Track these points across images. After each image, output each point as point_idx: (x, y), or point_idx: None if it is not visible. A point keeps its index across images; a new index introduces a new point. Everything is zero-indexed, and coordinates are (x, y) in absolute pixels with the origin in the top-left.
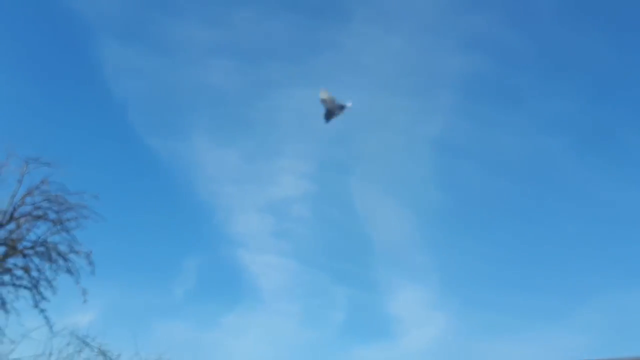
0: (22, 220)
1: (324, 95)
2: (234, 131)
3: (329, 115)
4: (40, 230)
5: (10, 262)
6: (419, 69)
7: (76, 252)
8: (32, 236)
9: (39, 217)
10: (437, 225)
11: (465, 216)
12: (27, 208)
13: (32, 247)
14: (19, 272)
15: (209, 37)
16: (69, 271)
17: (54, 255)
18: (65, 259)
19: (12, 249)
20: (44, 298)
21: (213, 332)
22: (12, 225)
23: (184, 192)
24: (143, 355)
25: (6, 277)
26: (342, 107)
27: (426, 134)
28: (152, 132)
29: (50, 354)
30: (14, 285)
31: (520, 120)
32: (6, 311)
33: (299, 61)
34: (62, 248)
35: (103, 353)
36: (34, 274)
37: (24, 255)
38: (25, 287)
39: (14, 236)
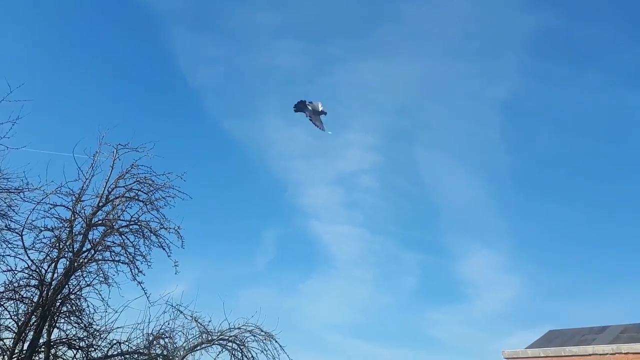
0: (116, 201)
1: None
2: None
3: (300, 108)
4: (132, 210)
5: (109, 240)
6: (483, 30)
7: (166, 229)
8: (126, 216)
9: (131, 199)
10: (508, 188)
11: (538, 178)
12: (120, 190)
13: (127, 226)
14: (117, 249)
15: (273, 20)
16: (161, 246)
17: (146, 232)
18: (157, 235)
19: (110, 228)
20: (140, 271)
21: (293, 298)
22: (108, 207)
23: (258, 170)
24: (231, 320)
25: (106, 254)
26: (320, 113)
27: (494, 98)
28: (226, 115)
29: (149, 322)
30: (113, 261)
31: (594, 76)
32: (108, 285)
33: (361, 35)
34: (154, 225)
35: (195, 319)
36: (130, 250)
37: (120, 234)
38: (124, 262)
39: (110, 217)
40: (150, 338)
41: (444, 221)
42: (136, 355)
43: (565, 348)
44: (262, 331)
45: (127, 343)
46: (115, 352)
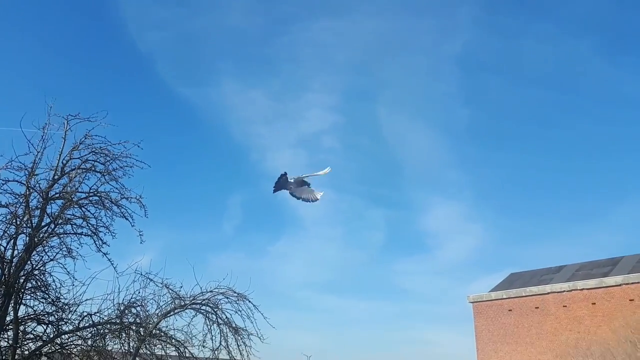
0: (72, 173)
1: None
2: (259, 71)
3: (280, 186)
4: (90, 181)
5: (69, 213)
6: None
7: (127, 199)
8: (84, 188)
9: (87, 170)
10: (467, 141)
11: (495, 130)
12: (75, 162)
13: (86, 198)
14: (78, 222)
15: None
16: (123, 216)
17: (107, 203)
18: (118, 206)
19: (69, 201)
20: (104, 243)
21: (263, 260)
22: (64, 180)
23: (219, 136)
24: (202, 284)
25: (68, 228)
26: (302, 184)
27: (449, 53)
28: (181, 80)
29: (119, 292)
30: (75, 234)
31: (546, 27)
32: (73, 258)
33: None
34: (114, 196)
35: (166, 286)
36: (92, 221)
37: (80, 206)
38: (86, 235)
39: (67, 189)
40: (122, 308)
41: (407, 177)
42: (108, 326)
43: (526, 288)
44: (234, 292)
45: (98, 314)
46: (87, 324)
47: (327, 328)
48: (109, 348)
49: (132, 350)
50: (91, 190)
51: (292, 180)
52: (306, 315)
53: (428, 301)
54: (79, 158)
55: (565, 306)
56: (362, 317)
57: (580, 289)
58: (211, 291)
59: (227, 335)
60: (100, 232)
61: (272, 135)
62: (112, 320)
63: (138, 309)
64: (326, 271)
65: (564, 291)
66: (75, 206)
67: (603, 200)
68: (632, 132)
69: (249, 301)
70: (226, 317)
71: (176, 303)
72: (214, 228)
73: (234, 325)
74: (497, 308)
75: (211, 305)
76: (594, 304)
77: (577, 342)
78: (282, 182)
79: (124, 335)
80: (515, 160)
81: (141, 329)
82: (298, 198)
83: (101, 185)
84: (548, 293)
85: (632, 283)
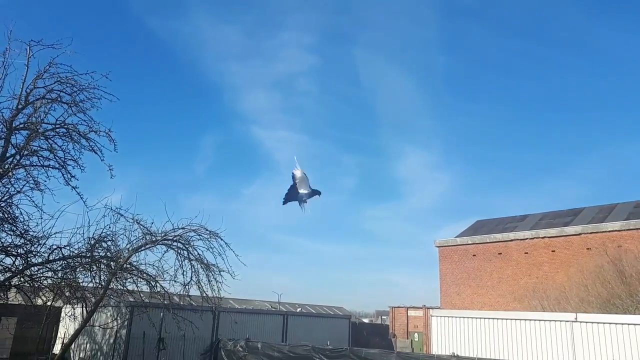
0: (37, 103)
1: (298, 172)
2: (233, 4)
3: (290, 197)
4: (57, 112)
5: (35, 144)
6: None
7: (96, 132)
8: (50, 119)
9: (53, 100)
10: (442, 90)
11: (471, 79)
12: (39, 91)
13: (52, 129)
14: (45, 153)
15: None
16: (92, 150)
17: (75, 135)
18: (87, 139)
19: (34, 132)
20: (73, 176)
21: (237, 203)
22: (29, 110)
23: (191, 72)
24: (174, 221)
25: (34, 159)
26: (312, 194)
27: None
28: (151, 10)
29: (89, 226)
30: (42, 166)
31: None
32: (41, 191)
33: None
34: (82, 128)
35: (137, 221)
36: (60, 154)
37: (47, 138)
38: (54, 167)
39: (32, 119)
40: (92, 242)
41: (381, 124)
42: (79, 259)
43: (490, 235)
44: (206, 230)
45: (68, 248)
46: (57, 257)
47: (298, 269)
48: (80, 281)
49: (103, 283)
50: (58, 122)
51: (304, 192)
52: (279, 257)
53: (396, 246)
54: (43, 87)
55: (527, 253)
56: (332, 260)
57: (541, 237)
58: (183, 228)
59: (198, 271)
60: (69, 165)
61: (246, 74)
62: (83, 254)
63: (109, 243)
64: (297, 215)
65: (526, 239)
66: (41, 137)
67: (569, 153)
68: (605, 86)
69: (221, 239)
70: (198, 254)
71: (147, 239)
72: (186, 169)
73: (205, 262)
74: (462, 253)
75: (183, 241)
76: (554, 251)
77: (535, 286)
78: (292, 194)
79: (95, 268)
80: (487, 111)
81: (112, 262)
82: (301, 205)
83: (68, 117)
84: (511, 240)
85: (591, 233)
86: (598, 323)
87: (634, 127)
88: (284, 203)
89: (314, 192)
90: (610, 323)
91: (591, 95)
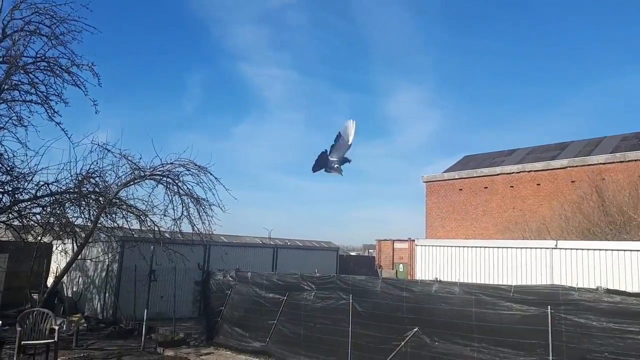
0: (15, 36)
1: (349, 138)
2: None
3: (320, 165)
4: (37, 45)
5: (15, 79)
6: None
7: (78, 66)
8: (30, 52)
9: (32, 32)
10: (438, 24)
11: (467, 13)
12: (17, 23)
13: (33, 63)
14: (27, 87)
15: None
16: (75, 84)
17: (56, 69)
18: (69, 73)
19: (14, 65)
20: (56, 112)
21: (227, 142)
22: (7, 43)
23: (176, 6)
24: (162, 157)
25: (15, 94)
26: (343, 162)
27: None
28: None
29: (76, 161)
30: (24, 101)
31: None
32: (24, 127)
33: None
34: (64, 62)
35: (125, 156)
36: (42, 88)
37: (27, 72)
38: (36, 103)
39: (11, 53)
40: (80, 178)
41: (373, 60)
42: (67, 195)
43: (477, 170)
44: (195, 165)
45: (55, 184)
46: (45, 193)
47: (289, 207)
48: (69, 216)
49: (92, 218)
50: (38, 56)
51: (335, 159)
52: (270, 195)
53: (386, 182)
54: (21, 19)
55: (512, 186)
56: (323, 197)
57: (527, 171)
58: (171, 163)
59: (188, 206)
60: (52, 100)
61: (234, 7)
62: (71, 190)
63: (97, 179)
64: (289, 153)
65: (512, 173)
66: (21, 71)
67: (559, 88)
68: (596, 21)
69: (210, 173)
70: (187, 189)
71: (136, 174)
72: (173, 108)
73: (195, 196)
74: (449, 187)
75: (172, 176)
76: (539, 184)
77: (518, 218)
78: (322, 161)
79: (84, 203)
80: (481, 46)
81: (101, 198)
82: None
83: (48, 50)
84: (498, 174)
85: (576, 166)
86: (577, 249)
87: (624, 60)
88: (314, 171)
89: (345, 160)
90: (588, 249)
91: (582, 29)
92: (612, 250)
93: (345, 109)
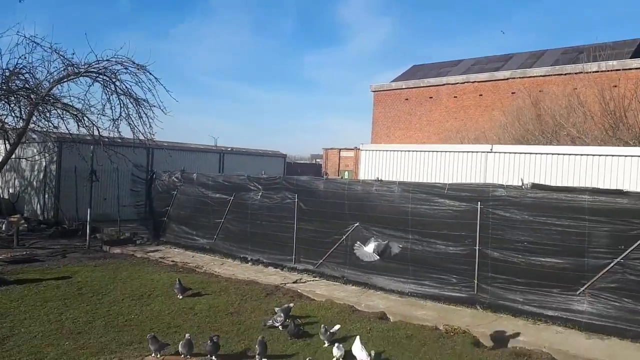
0: None
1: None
2: None
3: None
4: None
5: None
6: None
7: None
8: None
9: None
10: None
11: None
12: None
13: None
14: None
15: None
16: None
17: None
18: None
19: None
20: None
21: (165, 43)
22: None
23: None
24: (98, 54)
25: None
26: None
27: None
28: None
29: (2, 55)
30: None
31: None
32: None
33: None
34: None
35: (56, 51)
36: None
37: None
38: None
39: None
40: (7, 73)
41: None
42: None
43: (424, 80)
44: (133, 63)
45: None
46: None
47: (236, 115)
48: None
49: (24, 116)
50: None
51: None
52: (215, 101)
53: (335, 92)
54: None
55: (456, 97)
56: (271, 106)
57: (471, 82)
58: (108, 60)
59: (127, 106)
60: None
61: None
62: None
63: (26, 75)
64: (235, 58)
65: (457, 83)
66: None
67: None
68: None
69: (150, 73)
70: (125, 88)
71: (69, 70)
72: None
73: (134, 96)
74: (396, 97)
75: (109, 74)
76: (481, 95)
77: (459, 128)
78: None
79: (13, 99)
80: None
81: (32, 95)
82: None
83: None
84: (443, 85)
85: (517, 78)
86: (510, 153)
87: None
88: None
89: None
90: (521, 153)
91: None
92: (542, 154)
93: (293, 13)
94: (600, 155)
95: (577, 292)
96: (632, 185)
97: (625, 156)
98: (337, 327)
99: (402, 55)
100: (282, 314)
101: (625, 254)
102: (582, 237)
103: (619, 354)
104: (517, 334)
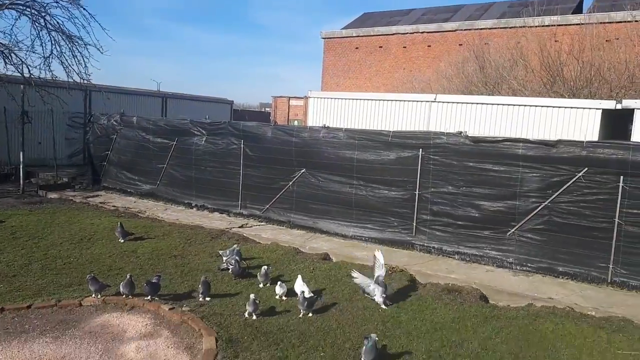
0: None
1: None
2: None
3: None
4: None
5: None
6: None
7: None
8: None
9: None
10: None
11: None
12: None
13: None
14: None
15: None
16: None
17: None
18: None
19: None
20: None
21: None
22: None
23: None
24: None
25: None
26: None
27: None
28: None
29: None
30: None
31: None
32: None
33: None
34: None
35: None
36: None
37: None
38: None
39: None
40: None
41: None
42: None
43: (374, 28)
44: None
45: None
46: None
47: (180, 58)
48: None
49: None
50: None
51: None
52: (157, 44)
53: (285, 39)
54: None
55: (405, 47)
56: (217, 50)
57: (420, 32)
58: None
59: (59, 43)
60: None
61: None
62: None
63: None
64: None
65: (406, 33)
66: None
67: None
68: None
69: (84, 8)
70: (56, 23)
71: None
72: None
73: (67, 33)
74: (346, 45)
75: (37, 7)
76: (429, 46)
77: (407, 78)
78: None
79: None
80: None
81: None
82: None
83: None
84: (393, 34)
85: (465, 30)
86: (452, 103)
87: None
88: None
89: None
90: (463, 102)
91: None
92: (483, 104)
93: None
94: (537, 106)
95: (507, 234)
96: (565, 134)
97: (559, 107)
98: (265, 267)
99: (356, 3)
100: (236, 257)
101: (552, 197)
102: (515, 182)
103: (540, 288)
104: (451, 272)
